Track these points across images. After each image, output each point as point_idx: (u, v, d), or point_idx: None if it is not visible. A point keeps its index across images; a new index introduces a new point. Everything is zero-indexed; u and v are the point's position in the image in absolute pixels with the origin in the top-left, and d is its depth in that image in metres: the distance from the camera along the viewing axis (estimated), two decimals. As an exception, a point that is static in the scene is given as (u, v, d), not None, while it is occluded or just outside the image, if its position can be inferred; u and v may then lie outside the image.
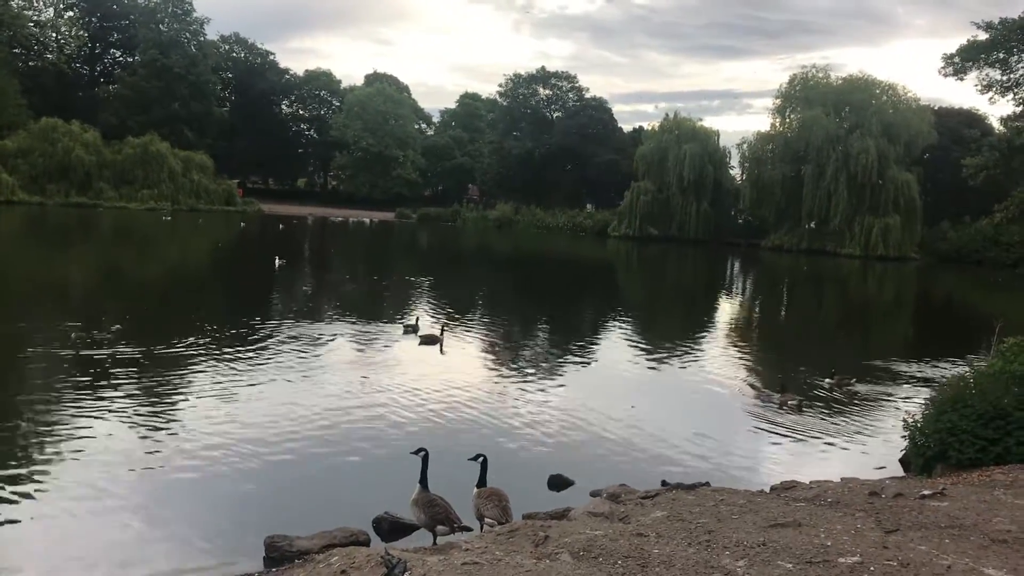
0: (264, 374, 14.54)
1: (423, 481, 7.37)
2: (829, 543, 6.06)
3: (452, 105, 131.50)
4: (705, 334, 25.10)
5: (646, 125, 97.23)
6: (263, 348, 16.73)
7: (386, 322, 22.13)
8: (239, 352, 16.12)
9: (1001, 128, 30.12)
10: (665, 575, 5.27)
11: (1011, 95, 23.16)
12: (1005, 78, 22.75)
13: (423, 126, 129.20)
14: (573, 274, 45.85)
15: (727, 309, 34.60)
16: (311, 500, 8.98)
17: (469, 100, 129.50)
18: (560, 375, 16.73)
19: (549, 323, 25.50)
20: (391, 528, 7.69)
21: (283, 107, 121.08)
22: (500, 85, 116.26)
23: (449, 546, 6.13)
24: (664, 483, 9.20)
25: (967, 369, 12.81)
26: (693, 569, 5.40)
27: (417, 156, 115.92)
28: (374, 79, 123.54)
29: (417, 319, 20.66)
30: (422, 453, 7.56)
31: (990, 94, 23.43)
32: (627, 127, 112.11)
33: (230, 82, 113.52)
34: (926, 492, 7.78)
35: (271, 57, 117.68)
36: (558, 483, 9.63)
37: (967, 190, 60.74)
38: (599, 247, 74.00)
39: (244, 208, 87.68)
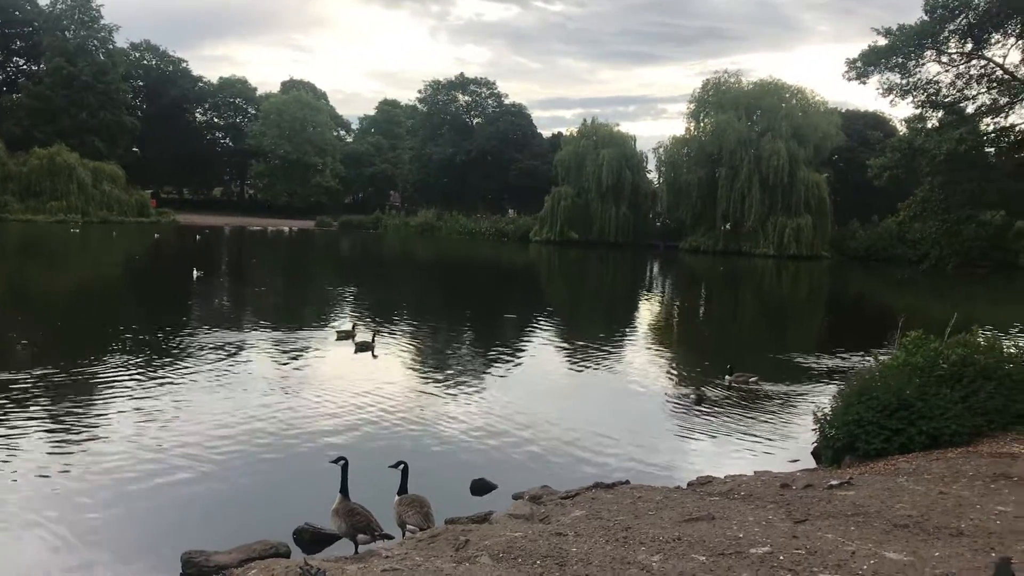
0: (184, 386, 14.25)
1: (344, 490, 7.35)
2: (741, 535, 6.26)
3: (371, 112, 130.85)
4: (626, 336, 25.49)
5: (564, 131, 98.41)
6: (183, 360, 16.39)
7: (315, 329, 21.93)
8: (157, 365, 15.76)
9: (903, 130, 31.21)
10: (582, 572, 5.38)
11: (910, 98, 24.00)
12: (904, 81, 23.56)
13: (342, 133, 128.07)
14: (497, 279, 46.03)
15: (647, 311, 35.17)
16: (231, 514, 8.85)
17: (388, 107, 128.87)
18: (485, 379, 16.81)
19: (475, 328, 25.57)
20: (312, 539, 7.63)
21: (197, 115, 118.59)
22: (419, 91, 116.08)
23: (370, 554, 6.13)
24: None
25: (873, 362, 13.28)
26: (610, 566, 5.52)
27: (336, 163, 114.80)
28: (291, 86, 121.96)
29: (354, 326, 20.57)
30: (342, 462, 7.53)
31: (891, 97, 24.22)
32: (546, 133, 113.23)
33: (141, 90, 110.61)
34: (834, 482, 8.09)
35: (184, 64, 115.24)
36: (481, 487, 9.68)
37: (874, 190, 62.71)
38: (522, 252, 74.37)
39: (158, 219, 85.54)
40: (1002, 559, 4.96)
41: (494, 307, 31.96)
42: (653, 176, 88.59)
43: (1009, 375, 11.56)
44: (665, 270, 63.54)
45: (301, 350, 18.64)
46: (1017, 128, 23.34)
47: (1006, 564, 4.94)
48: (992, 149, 24.16)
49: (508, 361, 19.09)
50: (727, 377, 16.58)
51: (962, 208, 23.68)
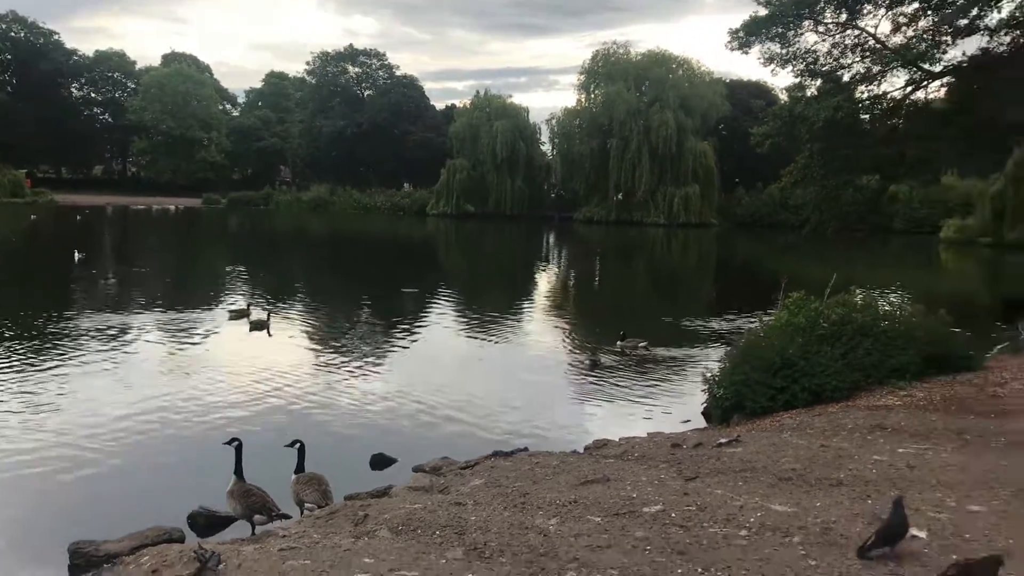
0: (70, 372, 13.67)
1: (238, 472, 7.22)
2: (635, 495, 6.44)
3: (257, 85, 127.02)
4: (523, 306, 25.71)
5: (457, 103, 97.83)
6: (69, 345, 15.69)
7: (206, 310, 21.34)
8: (41, 351, 15.06)
9: (784, 98, 32.30)
10: (481, 540, 5.44)
11: (790, 67, 24.87)
12: (784, 51, 24.41)
13: (227, 107, 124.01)
14: (394, 254, 45.65)
15: (543, 281, 35.54)
16: (123, 501, 8.56)
17: (275, 79, 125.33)
18: (384, 355, 16.72)
19: (372, 303, 25.31)
20: (207, 523, 7.48)
21: (73, 90, 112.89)
22: (307, 63, 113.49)
23: (267, 534, 6.05)
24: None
25: (759, 324, 13.77)
26: (508, 531, 5.60)
27: (223, 138, 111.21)
28: (172, 59, 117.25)
29: (248, 304, 20.10)
30: (235, 443, 7.39)
31: (772, 66, 25.07)
32: (439, 104, 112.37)
33: (9, 64, 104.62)
34: (723, 440, 8.38)
35: (55, 37, 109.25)
36: (381, 462, 9.65)
37: (758, 158, 64.77)
38: (419, 226, 73.94)
39: (34, 199, 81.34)
40: (896, 500, 5.32)
41: (392, 282, 31.71)
42: (547, 148, 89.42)
43: (884, 332, 12.15)
44: (560, 241, 64.24)
45: (192, 331, 18.12)
46: (889, 96, 24.44)
47: (898, 503, 5.29)
48: (867, 116, 25.25)
49: (407, 335, 19.01)
50: (619, 343, 16.90)
51: (840, 174, 24.72)
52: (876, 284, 18.41)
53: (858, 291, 13.61)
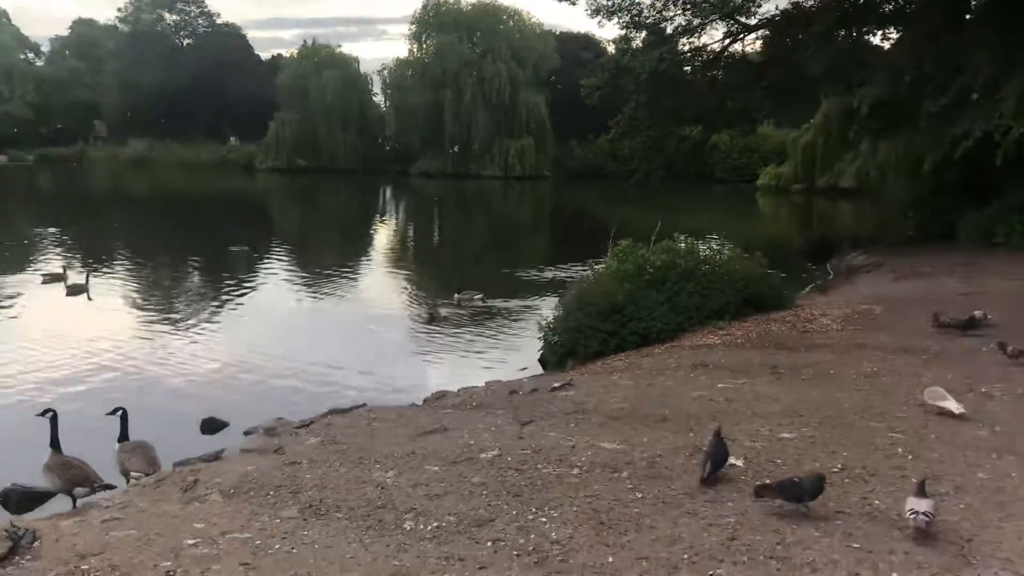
0: None
1: (55, 444, 6.81)
2: (472, 442, 6.53)
3: (64, 32, 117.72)
4: (360, 262, 25.41)
5: (285, 52, 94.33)
6: None
7: (16, 273, 19.85)
8: None
9: (612, 50, 32.97)
10: (317, 497, 5.38)
11: (616, 19, 25.36)
12: (610, 2, 24.84)
13: (31, 56, 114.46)
14: (223, 212, 43.89)
15: (382, 236, 35.19)
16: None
17: (84, 26, 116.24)
18: (213, 316, 16.12)
19: (200, 264, 24.31)
20: (22, 499, 7.00)
21: None
22: (120, 10, 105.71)
23: (89, 507, 5.75)
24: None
25: (590, 272, 14.16)
26: (345, 487, 5.57)
27: (27, 90, 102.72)
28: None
29: (64, 267, 18.80)
30: (50, 414, 6.96)
31: (599, 18, 25.47)
32: (265, 55, 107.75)
33: None
34: (556, 385, 8.61)
35: None
36: (212, 426, 9.34)
37: (589, 110, 66.07)
38: (248, 182, 71.26)
39: None
40: (716, 431, 5.71)
41: (220, 241, 30.49)
42: (380, 100, 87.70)
43: (706, 276, 12.80)
44: (397, 195, 63.63)
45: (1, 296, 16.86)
46: (708, 48, 25.37)
47: (718, 433, 5.69)
48: (689, 68, 26.14)
49: (237, 295, 18.39)
50: (456, 296, 17.01)
51: (664, 124, 25.56)
52: (699, 230, 19.32)
53: (682, 237, 14.18)
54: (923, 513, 4.56)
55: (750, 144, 66.81)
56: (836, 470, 5.61)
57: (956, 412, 6.72)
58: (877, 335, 10.33)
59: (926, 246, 20.63)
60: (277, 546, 4.69)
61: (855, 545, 4.51)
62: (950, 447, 6.03)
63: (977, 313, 10.43)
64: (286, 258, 25.59)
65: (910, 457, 5.83)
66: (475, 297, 16.97)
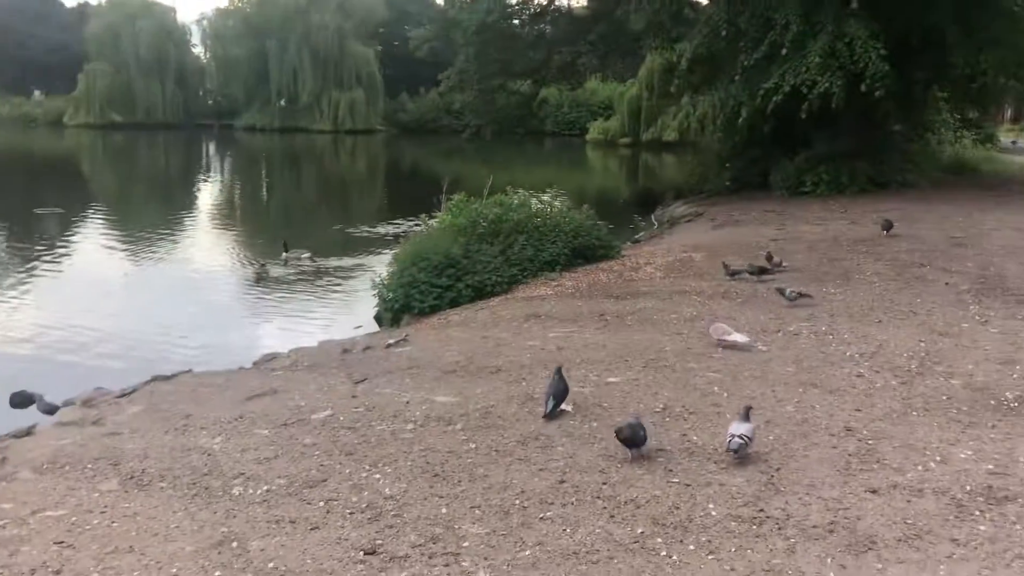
0: None
1: None
2: (303, 403, 6.42)
3: None
4: (184, 221, 24.24)
5: (92, 1, 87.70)
6: None
7: None
8: None
9: (440, 2, 32.61)
10: (139, 467, 5.16)
11: (444, -29, 25.12)
12: (437, -45, 24.58)
13: None
14: (27, 171, 40.64)
15: (205, 194, 33.70)
16: None
17: None
18: (20, 284, 15.00)
19: (3, 230, 22.48)
20: None
21: None
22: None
23: None
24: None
25: (424, 227, 14.11)
26: (169, 455, 5.36)
27: None
28: None
29: None
30: None
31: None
32: (70, 2, 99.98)
33: None
34: (391, 341, 8.57)
35: None
36: (22, 400, 8.68)
37: (420, 63, 65.37)
38: (56, 138, 66.23)
39: None
40: (557, 369, 6.02)
41: (26, 202, 28.29)
42: (200, 51, 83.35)
43: (538, 228, 13.02)
44: (222, 150, 60.92)
45: None
46: (535, 1, 25.49)
47: (559, 371, 5.99)
48: (516, 21, 26.21)
49: (49, 261, 17.15)
50: (283, 255, 16.55)
51: (494, 78, 25.57)
52: (532, 183, 19.62)
53: (515, 191, 14.34)
54: (739, 436, 4.93)
55: (579, 99, 68.16)
56: (658, 410, 5.89)
57: (741, 343, 7.38)
58: (697, 281, 10.83)
59: (743, 195, 21.73)
60: (95, 521, 4.47)
61: (675, 480, 4.76)
62: (761, 383, 6.44)
63: (775, 260, 11.08)
64: (101, 220, 24.07)
65: (725, 395, 6.19)
66: (303, 256, 16.57)
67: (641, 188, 28.00)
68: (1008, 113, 56.85)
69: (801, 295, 9.10)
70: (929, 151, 24.81)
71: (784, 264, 11.13)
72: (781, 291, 9.22)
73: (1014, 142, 43.17)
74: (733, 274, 10.67)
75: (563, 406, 5.95)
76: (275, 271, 15.75)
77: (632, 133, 53.98)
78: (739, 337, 7.46)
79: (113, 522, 4.46)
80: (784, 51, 17.57)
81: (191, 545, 4.20)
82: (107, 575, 3.96)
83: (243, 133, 74.55)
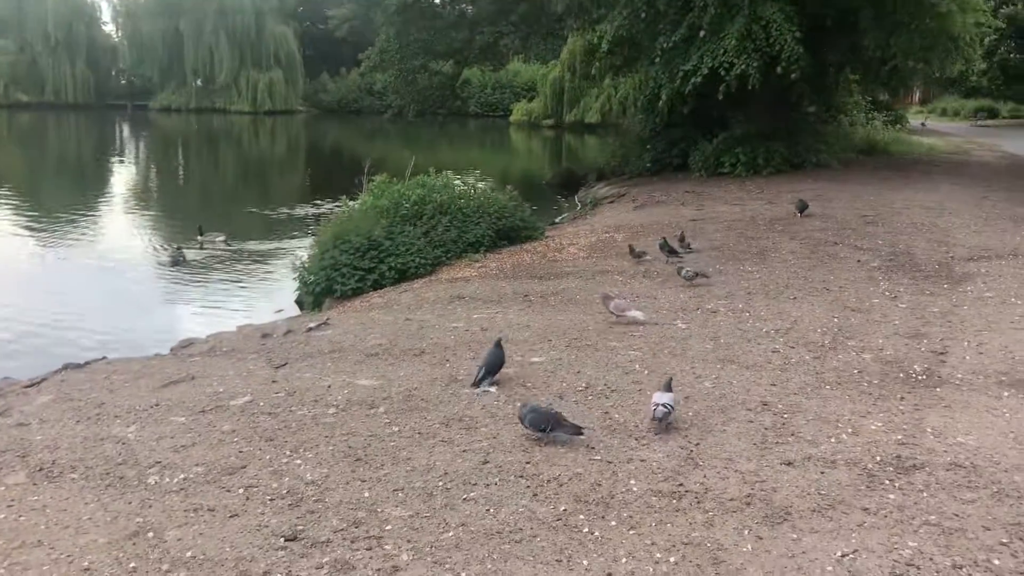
0: None
1: None
2: (222, 389, 6.29)
3: None
4: (97, 206, 23.44)
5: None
6: None
7: None
8: None
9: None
10: (49, 459, 4.98)
11: (364, -51, 24.70)
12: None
13: None
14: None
15: (121, 175, 32.63)
16: None
17: None
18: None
19: None
20: None
21: None
22: None
23: None
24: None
25: (345, 209, 13.93)
26: (81, 446, 5.19)
27: None
28: None
29: None
30: None
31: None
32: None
33: None
34: (312, 325, 8.44)
35: None
36: (-77, 393, 8.36)
37: (341, 42, 64.39)
38: (-45, 119, 63.30)
39: None
40: (497, 341, 6.17)
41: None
42: (111, 29, 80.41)
43: (461, 210, 12.99)
44: (136, 131, 59.01)
45: None
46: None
47: (498, 343, 6.13)
48: (438, 1, 25.96)
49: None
50: (198, 238, 16.16)
51: (416, 58, 25.31)
52: (455, 165, 19.50)
53: (438, 172, 14.26)
54: (662, 404, 5.12)
55: (502, 80, 68.06)
56: (580, 388, 5.94)
57: (640, 319, 7.62)
58: (619, 261, 10.94)
59: (663, 176, 22.02)
60: (1, 516, 4.31)
61: (597, 457, 4.81)
62: (681, 360, 6.54)
63: (686, 240, 11.17)
64: (6, 203, 23.11)
65: (646, 372, 6.27)
66: (218, 239, 16.20)
67: (564, 169, 28.10)
68: (917, 96, 58.82)
69: (698, 275, 9.27)
70: (842, 132, 25.49)
71: (693, 245, 11.25)
72: (679, 271, 9.39)
73: (923, 124, 44.72)
74: (638, 256, 10.72)
75: (487, 387, 5.97)
76: (192, 255, 15.37)
77: (555, 115, 54.12)
78: (637, 313, 7.68)
79: (21, 516, 4.31)
80: (702, 33, 17.79)
81: (104, 537, 4.08)
82: (14, 571, 3.82)
83: (158, 114, 72.37)
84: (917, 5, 18.37)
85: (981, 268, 9.83)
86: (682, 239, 11.29)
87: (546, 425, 4.96)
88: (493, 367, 6.08)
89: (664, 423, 5.14)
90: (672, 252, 10.53)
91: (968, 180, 19.21)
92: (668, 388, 5.27)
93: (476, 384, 5.98)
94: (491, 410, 5.61)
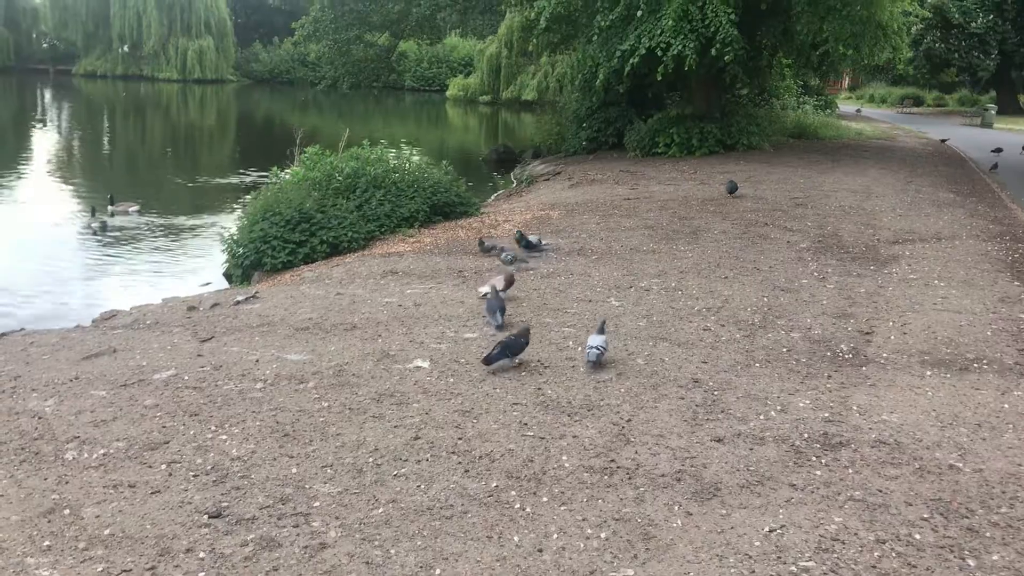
0: None
1: None
2: (145, 363, 6.09)
3: None
4: (15, 173, 22.54)
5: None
6: None
7: None
8: None
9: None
10: (-44, 436, 4.77)
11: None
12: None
13: None
14: None
15: (42, 142, 31.42)
16: None
17: None
18: None
19: None
20: None
21: None
22: None
23: None
24: None
25: (276, 180, 13.65)
26: (-8, 421, 4.98)
27: None
28: None
29: None
30: None
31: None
32: None
33: None
34: (240, 298, 8.24)
35: None
36: None
37: (274, 10, 63.09)
38: None
39: None
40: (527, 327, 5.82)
41: None
42: (31, -11, 77.25)
43: (395, 184, 12.83)
44: (59, 97, 56.90)
45: None
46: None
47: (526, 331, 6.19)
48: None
49: None
50: (109, 208, 15.64)
51: (350, 28, 24.90)
52: (390, 138, 19.24)
53: (372, 145, 14.04)
54: (595, 347, 5.73)
55: (439, 54, 67.47)
56: (514, 365, 5.91)
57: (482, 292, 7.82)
58: (554, 238, 10.93)
59: (599, 155, 22.10)
60: (-94, 493, 4.11)
61: (530, 433, 4.79)
62: (613, 337, 6.55)
63: (532, 238, 10.13)
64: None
65: (580, 349, 6.27)
66: (131, 209, 15.72)
67: (500, 146, 27.99)
68: (846, 82, 60.09)
69: (516, 259, 9.33)
70: (774, 115, 25.89)
71: (546, 244, 10.30)
72: (497, 254, 9.61)
73: (858, 110, 45.72)
74: (487, 251, 10.05)
75: (419, 363, 5.90)
76: (116, 225, 14.88)
77: (492, 91, 53.82)
78: (486, 289, 7.77)
79: (-73, 493, 4.12)
80: (639, 13, 17.83)
81: (17, 514, 3.92)
82: (-81, 550, 3.65)
83: (82, 79, 69.91)
84: (850, -8, 18.69)
85: (906, 251, 10.08)
86: (521, 239, 10.12)
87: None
88: (503, 310, 6.81)
89: (597, 364, 5.74)
90: (529, 246, 9.89)
91: (895, 165, 19.69)
92: (601, 331, 5.82)
93: (499, 327, 6.67)
94: (423, 386, 5.55)
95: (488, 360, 5.78)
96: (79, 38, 72.26)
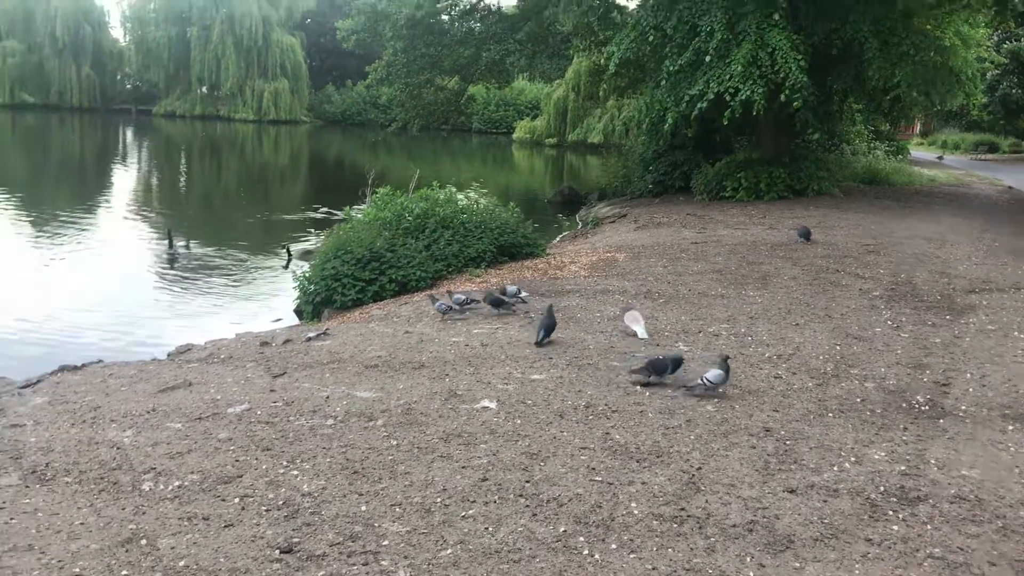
0: None
1: None
2: (219, 397, 6.23)
3: None
4: (97, 208, 23.42)
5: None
6: None
7: None
8: None
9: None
10: (42, 461, 4.92)
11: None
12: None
13: None
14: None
15: (124, 180, 32.60)
16: None
17: None
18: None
19: None
20: None
21: None
22: None
23: None
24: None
25: (348, 219, 13.91)
26: (75, 449, 5.13)
27: None
28: None
29: None
30: None
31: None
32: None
33: None
34: (312, 334, 8.39)
35: None
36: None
37: (347, 54, 64.71)
38: (-39, 118, 63.33)
39: None
40: (549, 306, 5.75)
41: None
42: (118, 33, 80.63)
43: (463, 224, 12.97)
44: (140, 136, 59.07)
45: None
46: (467, -1, 25.38)
47: (550, 309, 5.95)
48: (446, 17, 26.09)
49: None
50: (172, 247, 16.26)
51: (422, 72, 25.41)
52: (458, 180, 19.50)
53: (440, 185, 14.25)
54: (706, 379, 6.15)
55: (506, 97, 68.30)
56: (581, 407, 5.89)
57: (640, 336, 7.86)
58: (621, 281, 10.90)
59: (665, 199, 22.04)
60: (-7, 518, 4.25)
61: (598, 479, 4.76)
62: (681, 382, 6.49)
63: (511, 288, 9.53)
64: (8, 204, 23.08)
65: (648, 394, 6.22)
66: (178, 245, 16.40)
67: (566, 188, 28.12)
68: (918, 127, 59.05)
69: (451, 308, 8.94)
70: (844, 160, 25.55)
71: (523, 295, 9.59)
72: (433, 301, 9.15)
73: (940, 157, 44.80)
74: (445, 311, 9.09)
75: (487, 403, 5.92)
76: (193, 261, 15.33)
77: (558, 134, 54.20)
78: (640, 329, 7.91)
79: (12, 518, 4.25)
80: (708, 58, 17.84)
81: (96, 543, 4.02)
82: (4, 575, 3.76)
83: (161, 119, 72.47)
84: (922, 38, 18.45)
85: (983, 300, 9.80)
86: (503, 293, 9.43)
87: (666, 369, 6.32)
88: (551, 328, 7.54)
89: (703, 394, 6.19)
90: (497, 303, 9.17)
91: (969, 213, 19.23)
92: (719, 364, 6.21)
93: (539, 343, 7.44)
94: (491, 426, 5.56)
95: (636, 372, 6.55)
96: (161, 79, 75.12)
